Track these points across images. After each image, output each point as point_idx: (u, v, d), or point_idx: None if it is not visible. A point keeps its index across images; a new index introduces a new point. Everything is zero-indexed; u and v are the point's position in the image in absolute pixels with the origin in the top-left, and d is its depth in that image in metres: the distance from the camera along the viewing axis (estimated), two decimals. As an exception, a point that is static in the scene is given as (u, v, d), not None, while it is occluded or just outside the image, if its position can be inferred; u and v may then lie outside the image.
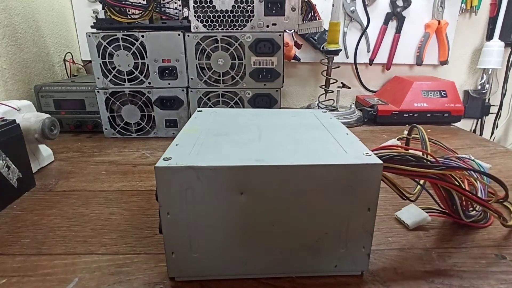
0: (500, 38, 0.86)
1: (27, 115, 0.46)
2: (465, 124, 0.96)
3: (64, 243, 0.31)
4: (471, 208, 0.33)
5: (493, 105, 0.95)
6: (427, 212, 0.34)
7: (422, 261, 0.29)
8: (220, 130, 0.32)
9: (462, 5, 0.86)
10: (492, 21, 0.88)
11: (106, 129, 0.65)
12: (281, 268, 0.27)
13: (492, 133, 0.97)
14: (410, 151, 0.28)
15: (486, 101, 0.94)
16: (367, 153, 0.25)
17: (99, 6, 0.81)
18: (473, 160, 0.42)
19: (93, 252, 0.30)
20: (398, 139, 0.58)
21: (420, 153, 0.30)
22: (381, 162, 0.24)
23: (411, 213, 0.34)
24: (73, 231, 0.33)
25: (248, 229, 0.25)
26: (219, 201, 0.24)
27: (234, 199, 0.24)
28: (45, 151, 0.51)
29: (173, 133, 0.65)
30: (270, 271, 0.27)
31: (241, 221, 0.25)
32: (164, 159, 0.24)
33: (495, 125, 0.97)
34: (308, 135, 0.31)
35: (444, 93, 0.77)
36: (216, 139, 0.29)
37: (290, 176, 0.24)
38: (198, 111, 0.40)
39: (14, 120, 0.41)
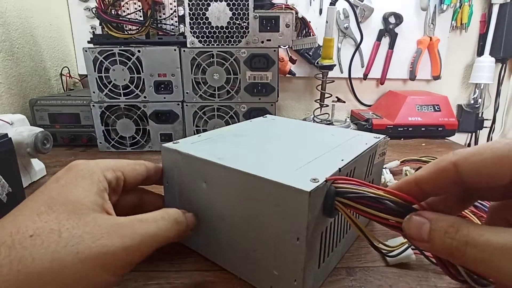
0: (491, 54, 0.88)
1: (20, 129, 0.46)
2: (460, 138, 0.96)
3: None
4: None
5: (487, 119, 0.96)
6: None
7: (418, 278, 0.28)
8: (245, 132, 0.36)
9: (453, 22, 0.88)
10: (482, 37, 0.90)
11: (100, 143, 0.64)
12: (229, 263, 0.28)
13: (487, 147, 0.98)
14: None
15: (480, 115, 0.95)
16: (314, 179, 0.22)
17: (97, 22, 0.82)
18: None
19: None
20: (401, 162, 0.51)
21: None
22: (307, 191, 0.21)
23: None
24: (61, 248, 0.33)
25: (205, 215, 0.28)
26: (191, 183, 0.29)
27: (200, 185, 0.28)
28: (37, 165, 0.51)
29: (168, 147, 0.65)
30: (220, 261, 0.29)
31: (202, 206, 0.28)
32: (173, 142, 0.31)
33: (489, 139, 0.98)
34: (309, 150, 0.30)
35: (437, 107, 0.78)
36: (229, 138, 0.34)
37: (233, 178, 0.25)
38: (264, 116, 0.46)
39: (6, 134, 0.41)
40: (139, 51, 0.59)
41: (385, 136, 0.35)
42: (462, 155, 0.19)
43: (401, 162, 0.51)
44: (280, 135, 0.36)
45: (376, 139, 0.34)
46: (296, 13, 0.60)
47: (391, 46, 0.88)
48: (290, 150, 0.31)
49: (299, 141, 0.34)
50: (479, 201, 0.32)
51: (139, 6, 0.62)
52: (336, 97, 0.80)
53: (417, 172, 0.21)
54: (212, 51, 0.60)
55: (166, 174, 0.31)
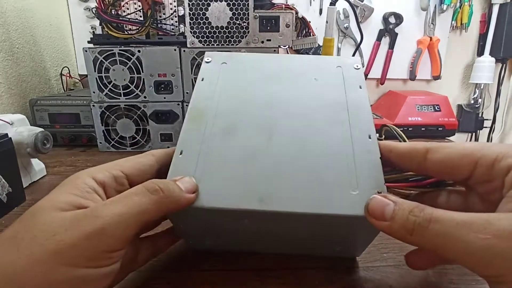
0: (491, 54, 0.88)
1: (20, 129, 0.46)
2: (460, 138, 0.96)
3: (51, 260, 0.31)
4: None
5: (487, 119, 0.96)
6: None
7: (417, 278, 0.28)
8: (228, 117, 0.28)
9: (453, 22, 0.88)
10: (482, 37, 0.90)
11: (100, 143, 0.64)
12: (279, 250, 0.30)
13: (487, 147, 0.98)
14: None
15: (480, 115, 0.96)
16: (379, 192, 0.22)
17: (97, 22, 0.82)
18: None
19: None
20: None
21: None
22: None
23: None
24: (61, 248, 0.33)
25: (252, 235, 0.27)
26: (224, 225, 0.26)
27: (239, 222, 0.25)
28: (37, 165, 0.51)
29: (168, 147, 0.65)
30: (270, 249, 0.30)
31: (246, 233, 0.27)
32: None
33: (489, 139, 0.98)
34: (325, 139, 0.27)
35: (437, 107, 0.78)
36: (221, 143, 0.26)
37: (289, 218, 0.23)
38: (206, 62, 0.33)
39: (6, 134, 0.41)
40: (139, 51, 0.59)
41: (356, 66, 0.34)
42: (436, 144, 0.22)
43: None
44: (269, 116, 0.28)
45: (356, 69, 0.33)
46: (296, 13, 0.60)
47: (391, 46, 0.88)
48: (302, 141, 0.26)
49: (296, 115, 0.29)
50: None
51: (139, 6, 0.61)
52: (336, 97, 0.80)
53: (394, 142, 0.24)
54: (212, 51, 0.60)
55: (176, 222, 0.26)
